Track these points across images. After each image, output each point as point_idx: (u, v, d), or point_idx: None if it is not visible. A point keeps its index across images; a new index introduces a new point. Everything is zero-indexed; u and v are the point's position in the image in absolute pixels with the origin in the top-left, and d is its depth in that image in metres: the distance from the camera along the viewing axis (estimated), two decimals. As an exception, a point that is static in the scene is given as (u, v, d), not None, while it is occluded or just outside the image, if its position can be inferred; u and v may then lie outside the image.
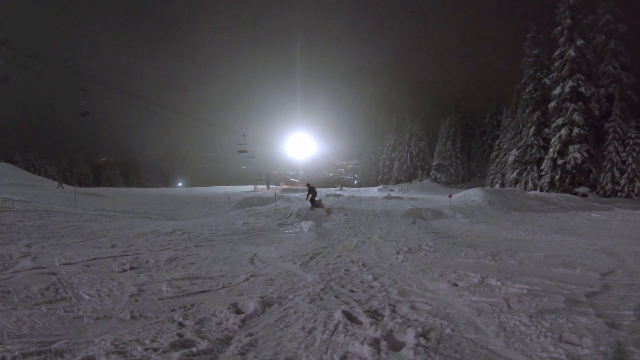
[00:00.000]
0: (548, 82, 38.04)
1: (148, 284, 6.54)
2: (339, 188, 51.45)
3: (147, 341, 4.03)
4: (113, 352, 3.73)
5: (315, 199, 22.33)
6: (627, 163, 32.45)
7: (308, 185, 23.26)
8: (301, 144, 69.63)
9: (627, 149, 32.58)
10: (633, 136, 32.35)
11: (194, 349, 3.89)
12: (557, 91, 35.64)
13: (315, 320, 4.77)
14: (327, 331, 4.41)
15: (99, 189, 46.45)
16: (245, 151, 45.80)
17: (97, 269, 7.49)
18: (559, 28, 36.68)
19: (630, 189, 32.05)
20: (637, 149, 32.09)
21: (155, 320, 4.75)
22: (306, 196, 23.28)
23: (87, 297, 5.64)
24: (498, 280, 6.64)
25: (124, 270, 7.47)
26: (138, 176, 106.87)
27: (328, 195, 31.84)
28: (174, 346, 3.94)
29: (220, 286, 6.50)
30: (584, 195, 32.43)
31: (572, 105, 34.45)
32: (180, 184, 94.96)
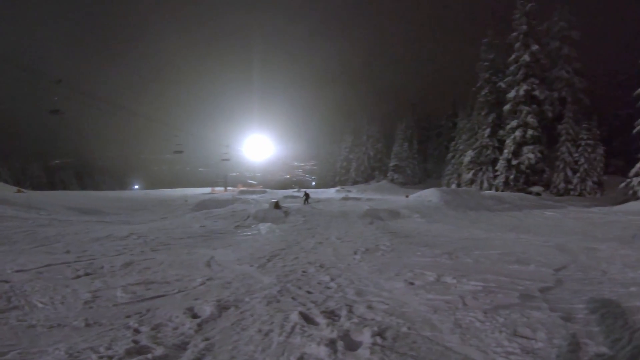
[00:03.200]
0: (503, 85, 39.15)
1: (102, 290, 6.40)
2: (296, 190, 51.53)
3: (101, 349, 3.97)
4: (67, 361, 3.68)
5: (308, 199, 28.82)
6: (579, 163, 33.64)
7: (305, 191, 31.14)
8: (259, 145, 68.90)
9: (579, 150, 33.76)
10: (585, 138, 33.54)
11: (149, 356, 3.85)
12: (511, 94, 36.68)
13: (271, 323, 4.76)
14: (283, 333, 4.41)
15: (54, 192, 45.20)
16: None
17: (51, 275, 7.33)
18: (514, 34, 37.87)
19: (583, 187, 33.25)
20: (589, 150, 33.29)
21: (110, 327, 4.67)
22: (304, 200, 28.82)
23: (40, 305, 5.51)
24: (454, 278, 6.78)
25: (78, 277, 7.31)
26: (93, 179, 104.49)
27: (285, 197, 31.86)
28: (129, 353, 3.89)
29: (176, 290, 6.42)
30: (537, 194, 33.49)
31: (526, 108, 35.57)
32: (136, 187, 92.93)
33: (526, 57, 36.27)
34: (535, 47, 36.47)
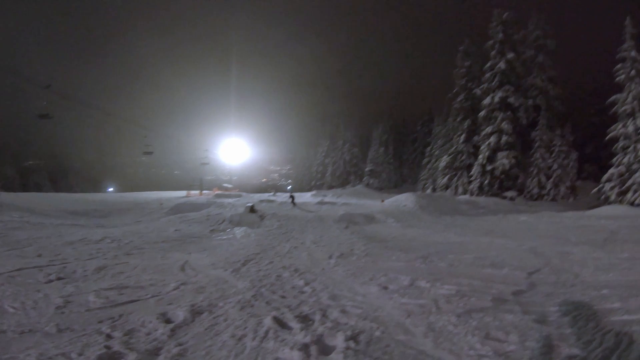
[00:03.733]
0: (479, 92, 39.53)
1: (75, 295, 6.34)
2: (272, 194, 51.43)
3: (73, 355, 3.96)
4: (38, 367, 3.65)
5: (295, 201, 30.95)
6: (552, 169, 34.08)
7: (291, 194, 34.79)
8: (235, 149, 68.08)
9: (552, 156, 34.22)
10: (558, 144, 34.01)
11: (121, 362, 3.85)
12: (487, 101, 37.11)
13: (245, 328, 4.78)
14: (257, 338, 4.44)
15: (27, 194, 44.42)
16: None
17: (22, 280, 7.25)
18: (490, 42, 38.36)
19: (556, 192, 33.70)
20: (562, 156, 33.79)
21: (82, 332, 4.64)
22: (291, 201, 30.90)
23: (11, 310, 5.44)
24: (428, 282, 6.83)
25: (50, 281, 7.23)
26: (67, 181, 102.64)
27: (261, 201, 31.78)
28: (101, 359, 3.90)
29: (149, 295, 6.39)
30: (512, 199, 33.92)
31: (501, 114, 36.04)
32: (111, 189, 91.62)
33: (502, 65, 36.74)
34: (511, 55, 36.97)
